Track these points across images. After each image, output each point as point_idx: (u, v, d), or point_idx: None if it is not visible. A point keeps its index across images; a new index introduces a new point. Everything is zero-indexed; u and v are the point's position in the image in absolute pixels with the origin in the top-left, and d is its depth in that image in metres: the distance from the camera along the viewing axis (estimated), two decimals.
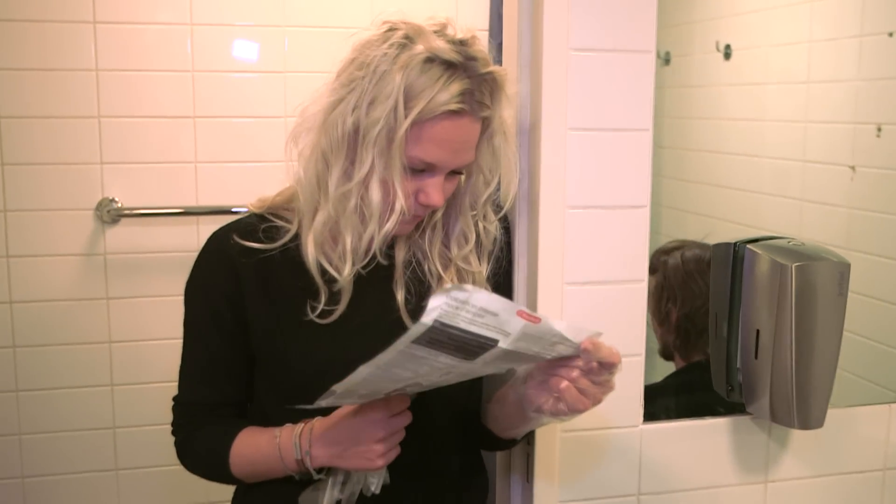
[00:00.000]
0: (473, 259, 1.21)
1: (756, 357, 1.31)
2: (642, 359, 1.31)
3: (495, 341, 0.86)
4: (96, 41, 2.17)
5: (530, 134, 1.25)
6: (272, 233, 1.17)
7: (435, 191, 1.09)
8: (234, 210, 2.24)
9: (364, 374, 0.90)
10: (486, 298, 0.81)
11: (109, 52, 2.18)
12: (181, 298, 2.21)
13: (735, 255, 1.34)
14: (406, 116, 1.03)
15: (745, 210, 2.15)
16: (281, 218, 1.19)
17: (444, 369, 0.91)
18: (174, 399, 1.25)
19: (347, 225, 1.11)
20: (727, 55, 2.20)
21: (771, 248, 1.31)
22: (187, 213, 2.26)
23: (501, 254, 1.25)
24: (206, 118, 2.25)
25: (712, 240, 1.77)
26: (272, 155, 2.27)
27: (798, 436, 1.39)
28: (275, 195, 1.24)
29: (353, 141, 1.07)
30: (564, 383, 0.98)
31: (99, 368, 2.29)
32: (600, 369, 0.97)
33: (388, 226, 1.09)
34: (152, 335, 2.29)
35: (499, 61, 1.31)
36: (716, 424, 1.37)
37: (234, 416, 1.24)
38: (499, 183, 1.21)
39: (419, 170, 1.08)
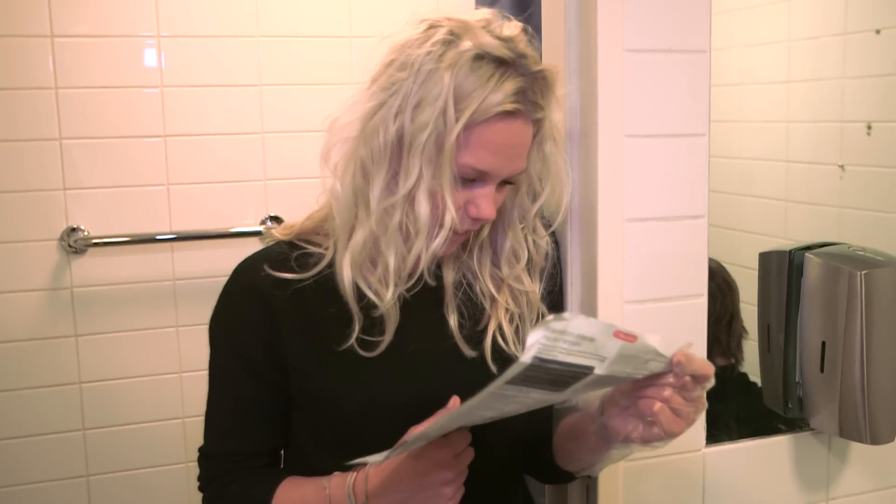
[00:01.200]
0: (525, 277, 1.12)
1: (822, 370, 1.25)
2: None
3: (591, 368, 0.79)
4: (54, 57, 2.00)
5: (582, 142, 1.17)
6: (305, 260, 1.07)
7: (486, 202, 1.00)
8: (211, 235, 2.11)
9: (444, 422, 0.83)
10: (583, 324, 0.74)
11: (69, 68, 2.02)
12: (156, 332, 2.12)
13: (790, 264, 1.28)
14: (457, 120, 0.94)
15: (725, 212, 2.11)
16: (314, 244, 1.08)
17: (532, 403, 0.83)
18: (200, 450, 1.14)
19: (390, 244, 1.01)
20: None
21: (831, 255, 1.25)
22: (160, 240, 2.11)
23: (555, 270, 1.16)
24: (177, 137, 2.10)
25: None
26: (250, 174, 2.15)
27: (858, 449, 1.34)
28: (304, 219, 1.13)
29: (397, 150, 0.97)
30: (658, 405, 0.89)
31: (69, 412, 2.11)
32: (693, 384, 0.89)
33: (437, 242, 1.00)
34: (126, 373, 2.13)
35: None
36: (777, 442, 1.31)
37: (269, 466, 1.13)
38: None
39: (469, 179, 0.99)
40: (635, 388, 0.91)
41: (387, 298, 1.02)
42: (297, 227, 1.11)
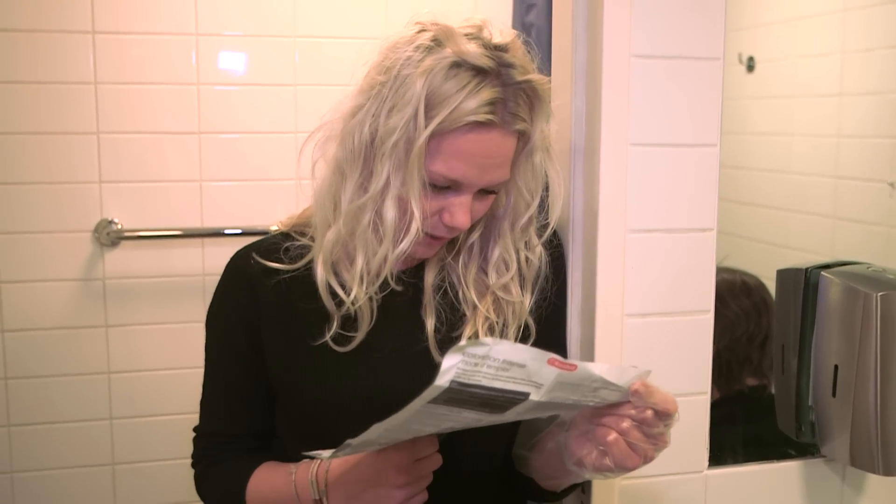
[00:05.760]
0: (514, 287, 1.09)
1: (834, 395, 1.19)
2: (707, 397, 1.19)
3: (526, 394, 0.76)
4: (95, 52, 2.05)
5: (587, 150, 1.14)
6: (294, 252, 1.08)
7: (460, 211, 0.98)
8: (241, 232, 2.13)
9: (379, 432, 0.81)
10: (508, 350, 0.72)
11: (109, 64, 2.07)
12: (185, 326, 2.15)
13: (806, 283, 1.22)
14: (426, 126, 0.93)
15: (770, 228, 2.06)
16: (305, 236, 1.09)
17: (471, 422, 0.81)
18: (194, 430, 1.18)
19: (360, 243, 1.01)
20: (750, 67, 2.11)
21: (848, 275, 1.19)
22: (191, 234, 2.15)
23: (547, 283, 1.13)
24: (211, 134, 2.14)
25: (732, 261, 1.68)
26: (282, 173, 2.16)
27: (875, 480, 1.27)
28: (302, 211, 1.14)
29: (370, 152, 0.97)
30: (612, 435, 0.86)
31: (97, 401, 2.16)
32: (655, 419, 0.85)
33: (402, 246, 0.99)
34: (154, 365, 2.17)
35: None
36: (786, 468, 1.26)
37: (255, 450, 1.15)
38: (542, 205, 1.10)
39: (443, 187, 0.98)
40: (595, 414, 0.88)
41: (353, 296, 1.02)
42: (294, 218, 1.14)
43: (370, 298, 1.03)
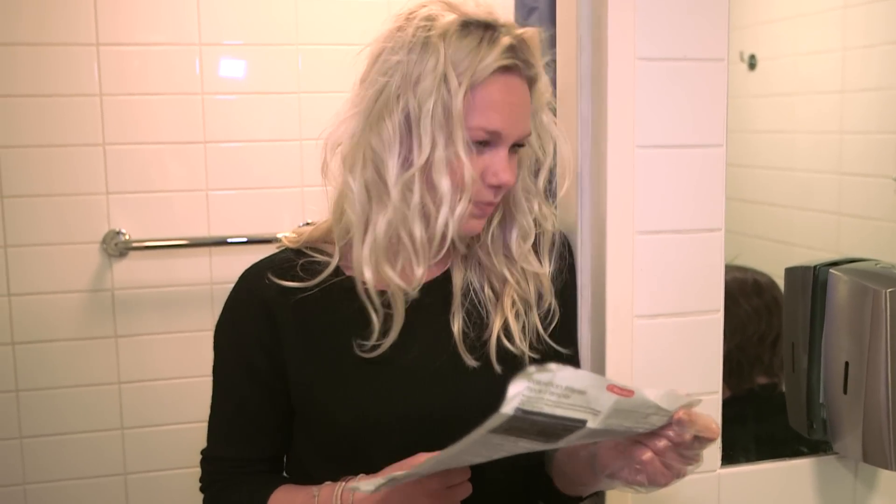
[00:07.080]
0: (533, 258, 1.11)
1: (845, 392, 1.19)
2: (719, 397, 1.20)
3: (583, 422, 0.76)
4: (100, 64, 2.06)
5: (593, 153, 1.14)
6: (311, 268, 1.06)
7: (503, 167, 1.00)
8: (248, 240, 2.13)
9: (431, 464, 0.82)
10: (571, 376, 0.72)
11: (114, 75, 2.07)
12: (194, 335, 2.15)
13: (815, 281, 1.23)
14: (460, 84, 0.96)
15: (776, 226, 2.06)
16: (320, 252, 1.08)
17: (522, 450, 0.81)
18: (202, 453, 1.15)
19: (415, 218, 1.00)
20: (752, 65, 2.11)
21: (857, 272, 1.20)
22: (199, 244, 2.15)
23: (564, 249, 1.15)
24: (217, 143, 2.14)
25: (743, 260, 1.68)
26: (288, 180, 2.17)
27: (888, 475, 1.28)
28: (312, 228, 1.13)
29: (406, 128, 0.98)
30: (648, 454, 0.86)
31: (108, 411, 2.16)
32: (693, 443, 0.85)
33: (461, 207, 0.99)
34: (164, 375, 2.17)
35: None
36: (798, 466, 1.26)
37: (268, 473, 1.14)
38: (552, 172, 1.13)
39: (482, 143, 0.99)
40: None
41: (418, 275, 1.01)
42: (304, 235, 1.12)
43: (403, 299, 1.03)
